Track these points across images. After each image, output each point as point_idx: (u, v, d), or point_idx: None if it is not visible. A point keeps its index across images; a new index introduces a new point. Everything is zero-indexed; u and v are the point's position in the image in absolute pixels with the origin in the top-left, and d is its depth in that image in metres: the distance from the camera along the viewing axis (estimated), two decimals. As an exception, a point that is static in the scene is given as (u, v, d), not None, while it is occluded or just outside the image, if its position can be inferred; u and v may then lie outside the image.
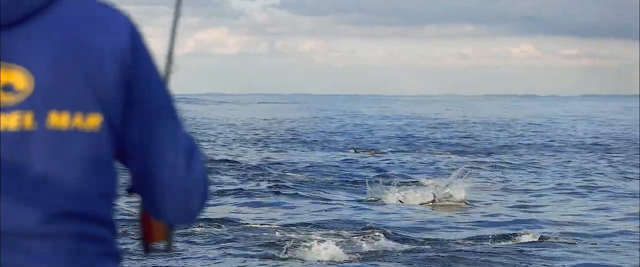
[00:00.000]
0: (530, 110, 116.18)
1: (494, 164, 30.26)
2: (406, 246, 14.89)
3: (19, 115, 2.01)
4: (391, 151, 36.46)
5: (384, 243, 14.98)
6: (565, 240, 15.74)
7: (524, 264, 13.77)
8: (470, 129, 56.95)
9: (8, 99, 2.01)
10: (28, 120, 2.01)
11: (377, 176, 25.31)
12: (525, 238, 15.73)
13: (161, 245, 2.32)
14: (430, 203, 19.92)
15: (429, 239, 15.58)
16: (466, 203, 19.71)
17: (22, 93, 2.01)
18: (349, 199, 20.74)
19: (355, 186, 23.07)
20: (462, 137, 47.86)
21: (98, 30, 2.08)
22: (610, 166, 30.58)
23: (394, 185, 22.64)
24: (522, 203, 20.55)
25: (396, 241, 15.22)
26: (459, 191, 20.09)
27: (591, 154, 36.08)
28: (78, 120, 2.04)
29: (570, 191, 22.76)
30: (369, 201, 20.41)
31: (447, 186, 20.60)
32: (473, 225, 17.49)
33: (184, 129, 2.18)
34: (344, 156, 33.25)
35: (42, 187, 2.02)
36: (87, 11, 2.10)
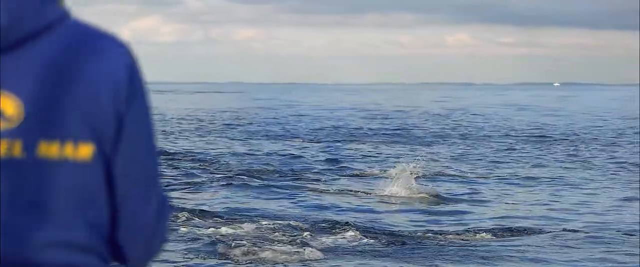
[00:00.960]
0: (470, 99, 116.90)
1: (441, 155, 30.45)
2: (359, 239, 14.92)
3: (8, 143, 1.97)
4: (337, 141, 36.53)
5: (338, 236, 14.99)
6: (514, 233, 15.87)
7: (478, 257, 13.87)
8: (415, 119, 57.24)
9: None
10: (17, 148, 1.98)
11: (325, 168, 25.36)
12: (476, 230, 15.87)
13: None
14: (380, 195, 19.97)
15: (381, 232, 15.62)
16: (417, 194, 19.76)
17: (12, 120, 1.98)
18: (299, 190, 20.68)
19: (303, 177, 23.07)
20: (408, 127, 48.05)
21: (95, 59, 2.03)
22: (553, 155, 30.91)
23: (342, 176, 22.74)
24: (473, 194, 20.70)
25: (351, 233, 15.22)
26: (408, 183, 20.19)
27: (531, 144, 36.44)
28: (69, 150, 2.01)
29: (517, 183, 22.95)
30: (318, 191, 20.43)
31: (393, 178, 20.66)
32: (425, 216, 17.57)
33: (160, 178, 2.19)
34: (291, 146, 33.24)
35: (31, 216, 1.99)
36: (85, 39, 2.06)
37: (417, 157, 24.50)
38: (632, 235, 15.73)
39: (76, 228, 2.03)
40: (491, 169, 26.15)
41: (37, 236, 2.00)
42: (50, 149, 2.00)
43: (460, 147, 34.43)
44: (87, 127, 2.02)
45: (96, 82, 2.02)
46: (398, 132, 43.79)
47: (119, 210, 2.12)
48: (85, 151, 2.02)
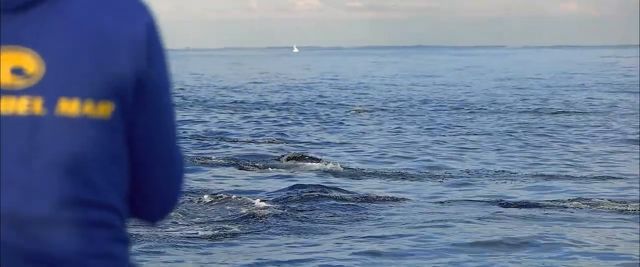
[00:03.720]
0: (324, 64, 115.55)
1: (313, 125, 30.56)
2: (261, 214, 14.81)
3: (28, 99, 1.97)
4: (207, 109, 36.20)
5: (242, 208, 14.94)
6: (395, 200, 16.16)
7: (372, 220, 14.31)
8: (274, 87, 56.83)
9: (17, 82, 1.97)
10: (37, 105, 1.97)
11: (205, 141, 25.21)
12: (371, 196, 16.16)
13: None
14: (261, 169, 19.78)
15: (283, 202, 15.61)
16: (313, 164, 19.80)
17: (32, 77, 1.97)
18: (189, 162, 20.18)
19: (185, 147, 22.93)
20: (269, 94, 47.69)
21: (114, 17, 2.04)
22: (417, 124, 31.36)
23: (226, 147, 22.63)
24: (362, 164, 20.80)
25: (239, 207, 15.19)
26: (301, 154, 20.39)
27: (392, 113, 36.84)
28: (88, 108, 2.00)
29: (397, 149, 23.03)
30: (207, 164, 20.30)
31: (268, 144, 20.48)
32: (326, 184, 17.42)
33: (178, 138, 2.20)
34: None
35: (52, 173, 1.99)
36: None
37: (294, 130, 24.19)
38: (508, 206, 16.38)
39: (95, 185, 2.03)
40: (379, 137, 26.36)
41: (56, 193, 1.99)
42: (70, 107, 1.99)
43: (330, 116, 34.58)
44: (107, 86, 2.01)
45: (116, 42, 2.02)
46: (259, 100, 43.46)
47: (140, 171, 2.14)
48: (105, 109, 2.01)
